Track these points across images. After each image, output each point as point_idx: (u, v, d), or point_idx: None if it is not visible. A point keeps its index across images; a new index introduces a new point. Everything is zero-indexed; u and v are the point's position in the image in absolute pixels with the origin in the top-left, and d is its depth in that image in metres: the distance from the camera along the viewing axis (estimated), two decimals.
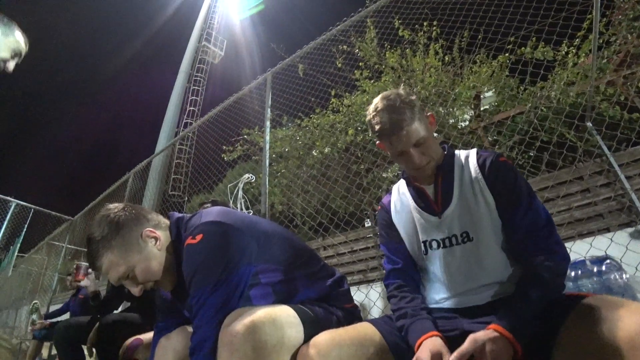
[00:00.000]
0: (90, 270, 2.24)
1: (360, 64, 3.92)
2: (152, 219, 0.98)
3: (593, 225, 3.40)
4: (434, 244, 0.95)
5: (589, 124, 3.39)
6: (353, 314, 1.05)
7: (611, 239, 1.62)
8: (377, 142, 1.00)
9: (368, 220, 3.74)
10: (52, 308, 6.45)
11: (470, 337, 0.69)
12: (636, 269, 0.97)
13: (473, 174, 0.95)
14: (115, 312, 2.28)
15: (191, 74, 13.15)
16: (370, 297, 3.04)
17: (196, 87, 13.38)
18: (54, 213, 7.64)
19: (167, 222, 1.02)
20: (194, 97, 13.06)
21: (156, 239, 0.95)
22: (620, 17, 4.28)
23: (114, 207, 0.97)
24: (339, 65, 3.50)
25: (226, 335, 0.73)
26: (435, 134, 1.07)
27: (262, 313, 0.76)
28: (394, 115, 0.89)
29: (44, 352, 4.55)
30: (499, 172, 0.92)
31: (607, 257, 0.96)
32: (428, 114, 1.01)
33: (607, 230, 3.31)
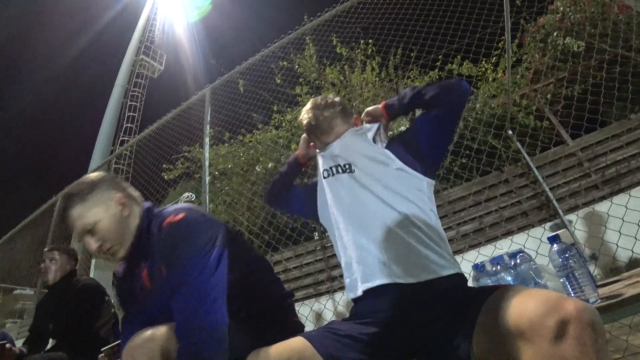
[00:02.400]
0: (7, 345, 1.99)
1: (301, 80, 4.01)
2: (131, 193, 1.04)
3: (520, 222, 3.78)
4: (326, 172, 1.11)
5: (509, 132, 3.80)
6: (296, 329, 1.05)
7: (528, 234, 1.83)
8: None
9: (316, 233, 3.76)
10: None
11: None
12: (549, 257, 1.09)
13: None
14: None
15: (128, 88, 12.35)
16: (325, 308, 3.03)
17: (134, 103, 12.55)
18: None
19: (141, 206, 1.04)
20: (131, 114, 12.21)
21: (125, 206, 0.97)
22: (528, 38, 4.91)
23: (99, 172, 1.06)
24: (278, 81, 3.54)
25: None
26: None
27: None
28: (317, 111, 1.17)
29: None
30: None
31: (521, 250, 1.07)
32: (354, 116, 1.24)
33: (532, 226, 3.70)
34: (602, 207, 2.32)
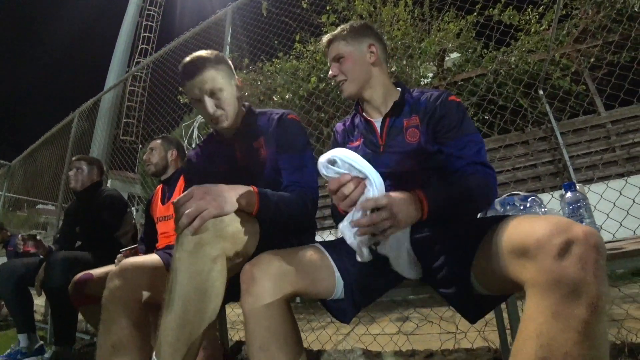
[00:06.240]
0: (38, 237, 2.12)
1: (328, 8, 3.73)
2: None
3: (531, 185, 3.76)
4: None
5: (540, 92, 3.59)
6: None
7: (542, 189, 1.83)
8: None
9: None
10: None
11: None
12: (560, 204, 1.10)
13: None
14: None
15: (143, 7, 11.67)
16: None
17: (149, 23, 11.93)
18: None
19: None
20: (146, 34, 11.67)
21: (240, 89, 1.16)
22: None
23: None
24: (305, 6, 3.29)
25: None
26: (398, 89, 1.11)
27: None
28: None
29: None
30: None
31: (531, 194, 1.07)
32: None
33: (542, 191, 3.68)
34: (615, 184, 2.26)
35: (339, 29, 1.12)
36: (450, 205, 0.84)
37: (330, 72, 1.09)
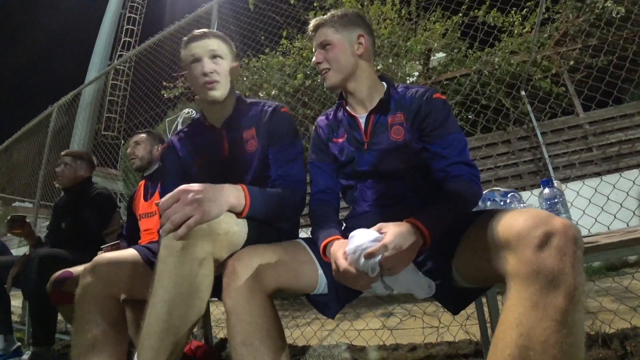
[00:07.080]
0: (27, 220, 2.05)
1: (315, 4, 3.71)
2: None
3: (512, 183, 3.87)
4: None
5: (522, 93, 3.69)
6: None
7: (522, 187, 1.89)
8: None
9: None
10: None
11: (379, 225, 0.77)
12: (538, 199, 1.14)
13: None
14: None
15: None
16: None
17: (133, 15, 11.52)
18: None
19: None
20: (130, 27, 11.27)
21: (237, 73, 1.18)
22: None
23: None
24: (292, 2, 3.26)
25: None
26: (383, 83, 1.10)
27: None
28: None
29: None
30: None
31: (511, 190, 1.10)
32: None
33: (523, 189, 3.79)
34: (591, 182, 2.37)
35: (328, 14, 1.07)
36: (447, 222, 0.81)
37: (314, 59, 1.06)
